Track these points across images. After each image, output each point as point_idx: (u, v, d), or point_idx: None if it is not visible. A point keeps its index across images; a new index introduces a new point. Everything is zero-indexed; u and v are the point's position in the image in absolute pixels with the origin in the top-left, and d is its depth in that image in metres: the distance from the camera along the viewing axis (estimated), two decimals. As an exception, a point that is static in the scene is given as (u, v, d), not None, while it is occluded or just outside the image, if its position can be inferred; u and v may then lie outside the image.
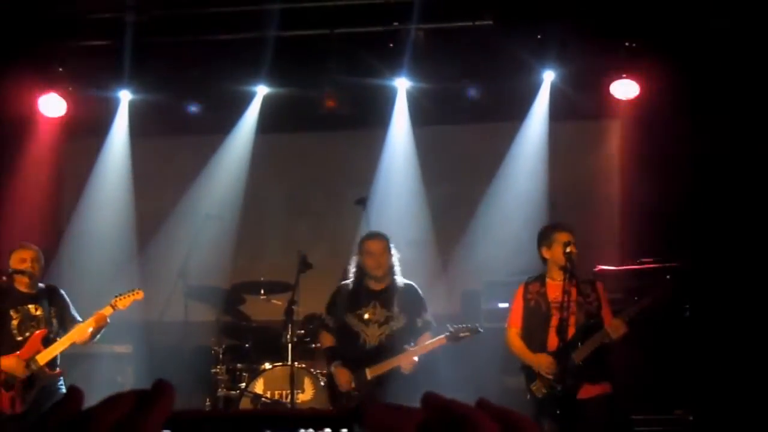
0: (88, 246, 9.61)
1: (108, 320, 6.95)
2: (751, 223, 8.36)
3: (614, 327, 6.36)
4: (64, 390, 7.00)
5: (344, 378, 6.73)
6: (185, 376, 7.76)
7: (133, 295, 6.98)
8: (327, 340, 7.01)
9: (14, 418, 6.78)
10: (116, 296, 6.99)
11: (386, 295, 6.87)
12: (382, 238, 7.00)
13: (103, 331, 7.06)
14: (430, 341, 6.78)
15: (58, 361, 7.13)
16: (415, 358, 6.72)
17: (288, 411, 5.93)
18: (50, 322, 7.05)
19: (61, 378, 7.07)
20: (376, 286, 6.91)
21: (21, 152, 9.46)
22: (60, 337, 7.00)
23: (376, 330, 6.80)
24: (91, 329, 6.92)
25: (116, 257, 9.70)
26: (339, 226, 9.27)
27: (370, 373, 6.68)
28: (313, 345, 7.82)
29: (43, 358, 6.92)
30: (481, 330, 6.93)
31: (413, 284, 7.06)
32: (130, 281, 9.52)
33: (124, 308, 6.96)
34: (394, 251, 6.98)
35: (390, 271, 6.91)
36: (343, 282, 7.08)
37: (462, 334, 6.80)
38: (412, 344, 6.81)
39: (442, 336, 6.77)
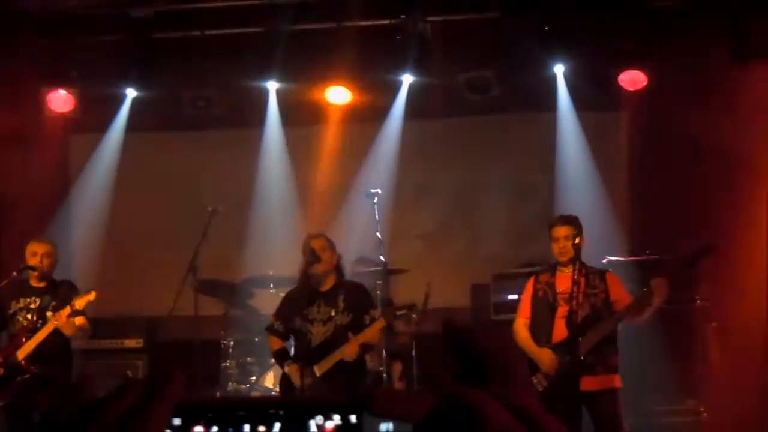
0: (96, 241, 9.63)
1: (68, 319, 6.87)
2: (761, 213, 8.34)
3: (657, 285, 6.31)
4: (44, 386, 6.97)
5: (293, 372, 6.75)
6: (195, 370, 7.77)
7: (87, 296, 6.96)
8: (275, 343, 7.08)
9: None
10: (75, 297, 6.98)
11: (331, 294, 6.91)
12: (323, 237, 7.05)
13: (80, 329, 7.04)
14: (369, 329, 6.74)
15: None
16: (357, 347, 6.73)
17: (298, 399, 5.95)
18: (44, 316, 7.04)
19: (41, 375, 6.98)
20: (321, 287, 6.95)
21: (30, 147, 9.47)
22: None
23: (321, 328, 6.83)
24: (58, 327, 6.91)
25: (125, 252, 9.72)
26: (348, 219, 9.26)
27: (318, 370, 6.71)
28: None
29: (22, 352, 6.95)
30: (416, 305, 6.89)
31: (362, 284, 7.14)
32: (139, 276, 9.59)
33: (80, 308, 6.93)
34: (337, 253, 7.01)
35: (335, 271, 6.96)
36: (291, 289, 7.17)
37: (399, 312, 6.78)
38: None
39: (380, 318, 6.75)
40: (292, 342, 7.18)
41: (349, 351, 6.71)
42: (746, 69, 8.38)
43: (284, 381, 6.90)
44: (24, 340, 6.99)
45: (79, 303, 6.92)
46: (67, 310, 6.90)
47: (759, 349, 8.05)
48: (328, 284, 6.94)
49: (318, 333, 6.84)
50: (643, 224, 8.89)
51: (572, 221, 6.65)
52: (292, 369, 6.79)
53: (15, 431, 6.85)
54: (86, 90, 9.28)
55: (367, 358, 7.09)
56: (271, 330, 7.09)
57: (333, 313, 6.84)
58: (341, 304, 6.86)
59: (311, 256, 6.89)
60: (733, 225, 8.33)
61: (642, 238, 8.64)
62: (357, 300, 6.92)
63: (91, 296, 6.96)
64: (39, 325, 7.02)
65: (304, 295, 6.96)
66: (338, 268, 7.01)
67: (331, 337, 6.79)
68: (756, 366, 8.00)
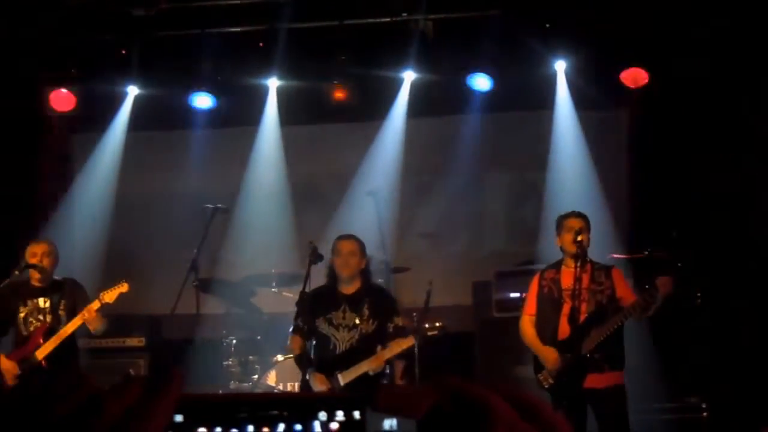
0: (97, 240, 9.63)
1: (96, 314, 6.88)
2: (763, 209, 8.34)
3: (662, 283, 6.27)
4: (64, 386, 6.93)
5: (321, 382, 6.67)
6: (197, 368, 7.77)
7: (118, 287, 6.94)
8: (297, 344, 6.88)
9: None
10: (103, 291, 6.96)
11: (356, 299, 6.84)
12: (353, 240, 6.95)
13: (104, 323, 7.03)
14: (398, 344, 6.69)
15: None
16: (383, 362, 6.70)
17: (301, 395, 5.94)
18: (57, 315, 7.02)
19: (61, 374, 6.97)
20: (346, 289, 6.88)
21: (32, 147, 9.47)
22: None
23: (346, 334, 6.77)
24: (85, 322, 6.88)
25: (126, 251, 9.72)
26: (350, 218, 9.26)
27: (342, 379, 6.66)
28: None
29: (41, 352, 6.92)
30: (446, 326, 6.93)
31: (385, 289, 7.09)
32: (141, 274, 9.58)
33: (111, 301, 6.91)
34: (367, 256, 6.95)
35: (361, 274, 6.89)
36: (316, 286, 7.06)
37: (430, 333, 6.81)
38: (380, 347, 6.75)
39: (410, 337, 6.71)
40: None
41: (374, 365, 6.67)
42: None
43: (305, 387, 6.77)
44: (42, 340, 6.94)
45: (110, 296, 6.89)
46: (96, 304, 6.87)
47: (761, 345, 8.03)
48: (353, 288, 6.87)
49: (343, 339, 6.77)
50: (642, 222, 8.88)
51: (585, 216, 6.67)
52: (319, 379, 6.69)
53: None
54: (87, 89, 9.27)
55: (397, 373, 7.05)
56: (296, 329, 6.90)
57: (358, 321, 6.77)
58: (366, 312, 6.79)
59: (313, 255, 6.87)
60: (733, 221, 8.33)
61: (641, 236, 8.63)
62: (381, 308, 6.84)
63: (124, 288, 6.92)
64: (55, 324, 6.99)
65: (328, 296, 6.89)
66: (365, 272, 6.92)
67: (356, 345, 6.73)
68: (758, 362, 7.99)
